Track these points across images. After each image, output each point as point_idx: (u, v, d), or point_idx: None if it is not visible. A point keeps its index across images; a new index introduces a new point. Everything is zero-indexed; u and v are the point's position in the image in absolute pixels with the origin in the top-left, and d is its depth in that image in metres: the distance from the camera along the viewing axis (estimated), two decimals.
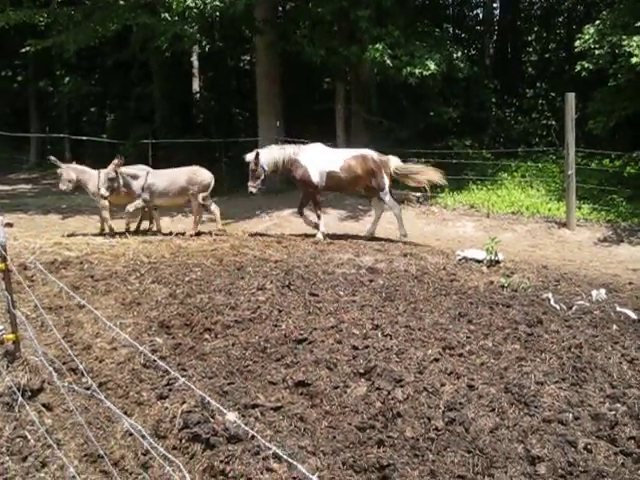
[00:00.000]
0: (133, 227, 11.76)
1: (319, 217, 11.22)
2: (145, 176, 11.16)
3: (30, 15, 15.86)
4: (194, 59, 24.48)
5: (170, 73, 22.22)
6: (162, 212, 13.06)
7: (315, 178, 10.97)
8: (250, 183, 10.89)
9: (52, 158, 11.78)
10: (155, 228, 11.62)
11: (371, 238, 10.97)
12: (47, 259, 9.19)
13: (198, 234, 11.26)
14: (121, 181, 10.96)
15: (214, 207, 11.59)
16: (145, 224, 11.90)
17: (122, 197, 11.41)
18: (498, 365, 5.07)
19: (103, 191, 10.82)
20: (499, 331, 5.88)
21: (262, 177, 10.86)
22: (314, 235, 10.99)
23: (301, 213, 11.27)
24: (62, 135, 20.55)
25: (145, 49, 18.78)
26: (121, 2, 13.87)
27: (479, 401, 4.45)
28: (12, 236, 11.25)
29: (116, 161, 10.90)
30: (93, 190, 11.36)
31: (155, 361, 5.29)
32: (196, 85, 25.25)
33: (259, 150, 10.94)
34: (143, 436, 4.21)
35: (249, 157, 10.89)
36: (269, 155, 10.92)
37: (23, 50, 17.33)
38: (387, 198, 11.16)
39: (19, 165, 24.93)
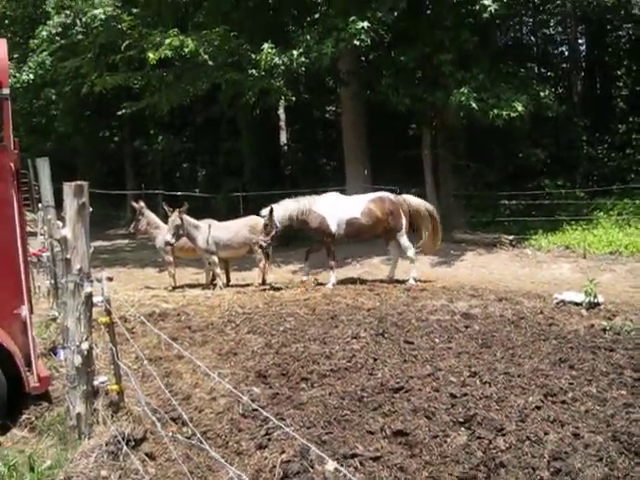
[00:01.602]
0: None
1: (332, 268, 11.24)
2: (208, 228, 11.32)
3: (125, 78, 16.68)
4: (281, 112, 25.11)
5: (258, 127, 22.85)
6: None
7: (333, 227, 10.98)
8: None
9: (135, 204, 12.10)
10: (220, 282, 11.54)
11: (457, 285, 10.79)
12: (146, 311, 9.47)
13: (264, 283, 11.45)
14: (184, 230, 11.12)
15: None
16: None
17: (187, 251, 11.69)
18: (604, 412, 4.86)
19: (169, 237, 10.94)
20: (603, 377, 5.66)
21: (273, 233, 10.83)
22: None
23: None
24: (157, 191, 21.33)
25: (233, 105, 19.41)
26: (210, 63, 14.39)
27: (586, 450, 4.27)
28: (112, 289, 11.69)
29: (181, 208, 11.11)
30: (160, 244, 11.62)
31: (255, 410, 5.35)
32: (283, 137, 25.85)
33: (273, 205, 10.95)
34: None
35: (264, 212, 10.94)
36: (283, 210, 10.93)
37: (119, 112, 18.21)
38: (403, 239, 11.15)
39: (117, 221, 26.00)
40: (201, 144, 26.50)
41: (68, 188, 5.01)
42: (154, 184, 25.29)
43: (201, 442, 4.07)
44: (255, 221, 11.56)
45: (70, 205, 5.01)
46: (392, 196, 11.36)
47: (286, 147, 25.87)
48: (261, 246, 10.99)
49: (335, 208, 11.09)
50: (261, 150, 23.15)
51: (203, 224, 11.47)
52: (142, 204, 11.93)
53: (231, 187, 21.12)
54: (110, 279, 13.22)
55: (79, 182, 5.06)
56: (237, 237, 11.43)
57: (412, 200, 11.46)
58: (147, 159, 27.94)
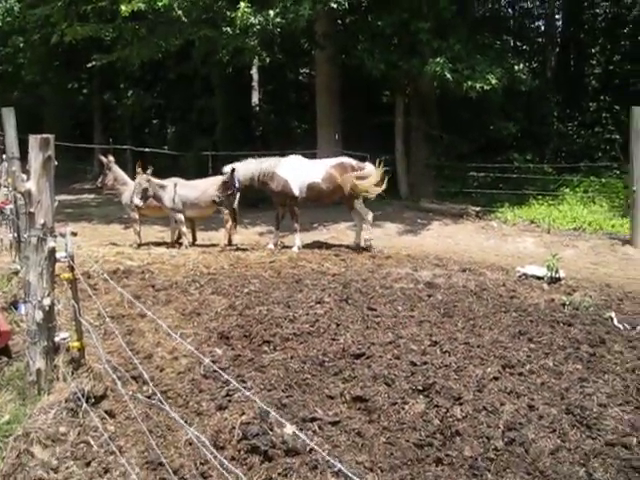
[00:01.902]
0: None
1: (297, 231, 11.24)
2: (174, 187, 11.26)
3: (96, 29, 16.28)
4: (254, 72, 24.80)
5: (231, 86, 22.54)
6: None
7: (295, 190, 10.99)
8: (216, 192, 10.90)
9: (103, 158, 11.88)
10: (186, 241, 11.51)
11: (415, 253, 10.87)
12: (109, 268, 9.40)
13: (230, 243, 11.51)
14: (151, 192, 11.09)
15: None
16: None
17: (153, 210, 11.60)
18: (559, 385, 4.97)
19: (137, 201, 10.91)
20: (560, 350, 5.77)
21: (230, 190, 10.86)
22: (367, 249, 11.04)
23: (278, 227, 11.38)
24: (125, 147, 21.05)
25: (207, 62, 19.10)
26: (184, 18, 14.09)
27: (540, 422, 4.37)
28: (76, 245, 11.55)
29: (148, 170, 11.04)
30: (125, 201, 11.56)
31: (216, 371, 5.37)
32: (256, 98, 25.57)
33: (236, 164, 10.95)
34: (204, 445, 4.28)
35: (226, 169, 10.92)
36: (245, 170, 10.92)
37: (89, 65, 17.82)
38: (361, 205, 11.21)
39: (83, 175, 25.60)
40: (172, 101, 26.10)
41: (34, 141, 4.92)
42: (123, 139, 24.94)
43: (161, 402, 4.08)
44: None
45: (35, 158, 4.92)
46: (354, 162, 11.32)
47: (258, 108, 25.61)
48: (214, 201, 10.96)
49: (297, 171, 11.06)
50: (233, 109, 22.86)
51: (169, 183, 11.36)
52: (111, 158, 11.75)
53: (201, 145, 20.86)
54: (74, 234, 12.95)
55: (45, 135, 4.97)
56: (204, 196, 11.34)
57: (369, 168, 11.31)
58: (116, 113, 27.46)
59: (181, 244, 11.44)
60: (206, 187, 11.43)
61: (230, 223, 11.51)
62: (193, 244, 11.69)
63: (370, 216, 11.28)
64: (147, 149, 20.57)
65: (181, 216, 11.33)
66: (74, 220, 15.34)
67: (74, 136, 26.14)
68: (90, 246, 11.39)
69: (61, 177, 12.12)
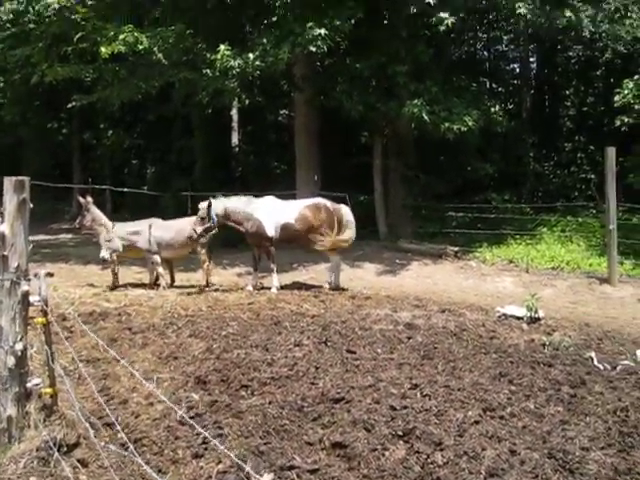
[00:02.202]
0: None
1: (274, 271, 11.19)
2: (148, 228, 11.23)
3: (77, 70, 16.32)
4: (234, 113, 24.93)
5: (210, 127, 22.63)
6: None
7: (270, 231, 11.00)
8: (195, 228, 10.85)
9: (82, 198, 11.71)
10: (164, 282, 11.43)
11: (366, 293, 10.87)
12: (86, 310, 9.32)
13: (208, 285, 11.39)
14: (122, 243, 11.16)
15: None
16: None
17: (131, 250, 11.51)
18: (541, 429, 4.92)
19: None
20: (541, 392, 5.73)
21: (207, 225, 10.84)
22: (345, 289, 11.04)
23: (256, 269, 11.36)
24: (104, 187, 20.98)
25: (187, 104, 19.21)
26: (164, 62, 14.18)
27: (522, 467, 4.30)
28: (52, 286, 11.42)
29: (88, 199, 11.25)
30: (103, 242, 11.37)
31: (192, 418, 5.26)
32: (235, 139, 25.67)
33: (212, 200, 10.98)
34: None
35: (202, 205, 10.94)
36: (221, 205, 10.95)
37: (69, 105, 17.81)
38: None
39: (61, 215, 25.43)
40: (152, 141, 26.19)
41: (8, 183, 4.86)
42: (102, 179, 24.89)
43: (133, 453, 3.97)
44: None
45: (10, 201, 4.86)
46: (329, 203, 11.34)
47: (237, 148, 25.70)
48: (190, 237, 10.91)
49: (272, 212, 11.07)
50: (212, 150, 22.91)
51: (142, 226, 11.32)
52: (89, 199, 11.63)
53: (180, 186, 20.82)
54: (51, 275, 12.78)
55: (20, 177, 4.91)
56: (179, 236, 11.26)
57: (344, 210, 11.40)
58: (96, 153, 27.44)
59: (159, 285, 11.33)
60: (181, 227, 11.35)
61: (207, 263, 11.43)
62: (171, 285, 11.59)
63: (337, 258, 11.42)
64: (126, 189, 20.50)
65: (157, 257, 11.25)
66: (51, 260, 15.17)
67: (53, 176, 25.99)
68: (67, 287, 11.27)
69: (39, 217, 12.08)
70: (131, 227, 11.41)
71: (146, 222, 11.51)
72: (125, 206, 22.87)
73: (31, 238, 14.90)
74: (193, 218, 11.46)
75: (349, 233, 11.18)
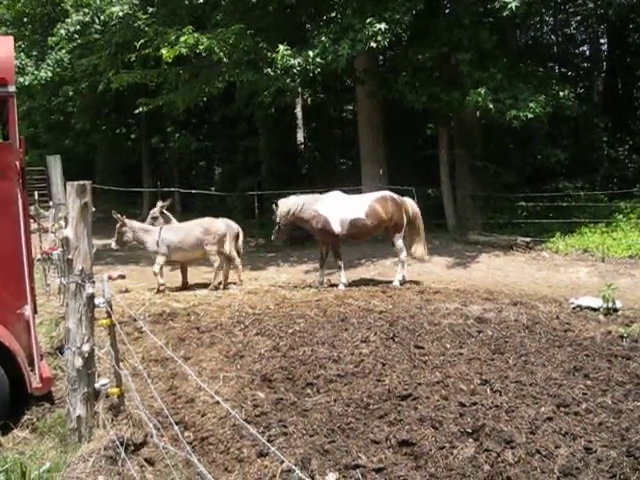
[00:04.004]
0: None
1: (341, 268, 11.08)
2: (159, 231, 11.14)
3: (142, 76, 16.64)
4: (298, 111, 24.99)
5: (275, 126, 22.78)
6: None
7: (336, 227, 10.85)
8: (273, 231, 11.18)
9: (116, 215, 11.43)
10: (161, 281, 11.14)
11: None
12: (156, 310, 9.44)
13: (226, 287, 11.27)
14: (130, 235, 11.15)
15: (238, 261, 11.54)
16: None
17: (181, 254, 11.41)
18: (619, 425, 4.69)
19: (113, 244, 11.13)
20: (619, 387, 5.48)
21: (277, 227, 10.96)
22: (418, 283, 10.88)
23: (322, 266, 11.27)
24: (173, 189, 21.31)
25: (250, 104, 19.34)
26: (225, 60, 14.28)
27: (598, 466, 4.11)
28: (124, 288, 11.67)
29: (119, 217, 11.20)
30: (151, 248, 11.26)
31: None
32: (300, 136, 25.73)
33: (279, 201, 10.99)
34: None
35: (274, 207, 11.06)
36: (283, 206, 10.91)
37: (136, 111, 18.19)
38: (399, 241, 11.10)
39: (133, 219, 25.91)
40: (218, 142, 26.46)
41: (70, 188, 4.94)
42: (170, 182, 25.30)
43: (189, 452, 3.96)
44: (209, 222, 11.36)
45: (72, 205, 4.94)
46: (395, 196, 11.26)
47: (303, 146, 25.76)
48: (272, 239, 11.17)
49: (338, 208, 10.98)
50: (278, 149, 23.08)
51: (153, 227, 11.36)
52: (118, 216, 11.37)
53: (247, 186, 21.02)
54: (122, 277, 13.25)
55: (82, 182, 4.98)
56: (188, 239, 11.13)
57: (411, 204, 11.32)
58: (164, 156, 27.94)
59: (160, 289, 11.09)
60: (190, 229, 11.29)
61: (218, 264, 11.23)
62: (184, 288, 11.49)
63: (404, 255, 11.18)
64: (194, 191, 20.79)
65: (163, 260, 11.12)
66: (123, 263, 15.52)
67: (124, 180, 26.67)
68: (138, 289, 11.49)
69: (110, 222, 12.33)
70: (141, 225, 11.43)
71: (195, 222, 11.59)
72: (194, 208, 23.17)
73: (103, 242, 15.39)
74: (202, 219, 11.54)
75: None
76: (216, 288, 11.10)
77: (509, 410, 4.96)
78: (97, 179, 25.49)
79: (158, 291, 11.06)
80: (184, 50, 13.90)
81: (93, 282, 5.04)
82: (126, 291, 11.15)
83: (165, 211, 12.13)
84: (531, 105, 13.30)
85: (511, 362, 6.24)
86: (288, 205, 10.93)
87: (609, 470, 4.07)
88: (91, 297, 4.96)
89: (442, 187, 16.74)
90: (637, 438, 4.45)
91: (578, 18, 23.07)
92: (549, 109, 13.87)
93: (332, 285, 11.12)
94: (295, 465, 4.28)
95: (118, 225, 11.14)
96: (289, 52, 13.42)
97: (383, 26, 12.99)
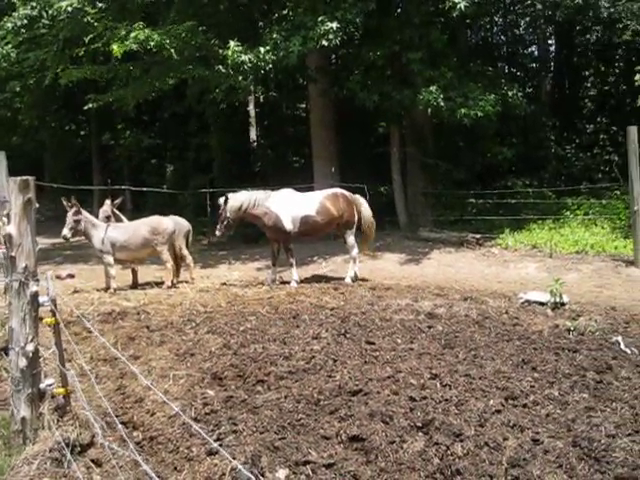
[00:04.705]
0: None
1: (293, 266, 11.07)
2: (105, 228, 10.91)
3: (91, 71, 16.36)
4: (250, 108, 24.88)
5: (227, 123, 22.64)
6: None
7: (288, 224, 10.84)
8: (218, 226, 10.96)
9: (66, 202, 10.90)
10: (114, 285, 10.96)
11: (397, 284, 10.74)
12: (105, 310, 9.32)
13: (176, 285, 11.18)
14: (82, 225, 10.72)
15: (190, 259, 11.53)
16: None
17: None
18: (565, 416, 4.77)
19: (65, 231, 10.57)
20: (565, 379, 5.57)
21: (225, 222, 10.79)
22: (362, 280, 10.92)
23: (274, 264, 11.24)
24: (123, 187, 20.98)
25: (201, 101, 19.18)
26: (176, 57, 14.12)
27: (545, 456, 4.16)
28: (73, 287, 11.46)
29: (72, 201, 10.71)
30: (97, 245, 10.94)
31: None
32: (253, 134, 25.62)
33: (229, 195, 10.86)
34: None
35: (220, 201, 10.89)
36: (234, 201, 10.77)
37: (85, 107, 17.86)
38: (351, 238, 11.18)
39: None
40: (169, 139, 26.22)
41: (13, 183, 4.81)
42: (121, 180, 24.93)
43: (133, 452, 3.89)
44: (157, 221, 11.25)
45: (15, 201, 4.81)
46: (347, 193, 11.30)
47: (255, 143, 25.65)
48: (216, 234, 10.96)
49: (290, 205, 10.94)
50: (230, 146, 22.94)
51: (101, 223, 11.11)
52: (75, 202, 10.85)
53: (199, 183, 20.82)
54: (71, 276, 13.02)
55: (24, 177, 4.85)
56: (135, 238, 10.98)
57: (363, 201, 11.36)
58: (114, 154, 27.51)
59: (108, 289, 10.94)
60: (137, 229, 11.13)
61: (171, 263, 11.18)
62: (134, 287, 11.32)
63: (355, 252, 11.23)
64: (145, 188, 20.53)
65: (110, 258, 10.89)
66: (72, 262, 15.27)
67: (73, 178, 26.20)
68: (88, 288, 11.29)
69: (61, 220, 12.05)
70: (91, 219, 11.05)
71: (142, 222, 11.43)
72: (145, 206, 22.87)
73: (52, 241, 15.10)
74: (150, 218, 11.40)
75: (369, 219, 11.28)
76: (169, 287, 10.97)
77: (458, 403, 4.99)
78: (46, 177, 24.94)
79: (107, 289, 10.89)
80: (134, 46, 13.69)
81: (37, 280, 4.92)
82: (75, 292, 10.92)
83: (116, 210, 11.93)
84: (481, 104, 13.49)
85: (461, 356, 6.30)
86: (240, 200, 10.81)
87: (556, 460, 4.12)
88: (35, 295, 4.84)
89: (394, 184, 16.85)
90: (583, 428, 4.52)
91: (527, 19, 23.43)
92: (498, 108, 14.06)
93: (284, 282, 11.10)
94: (245, 462, 4.24)
95: (73, 211, 10.66)
96: (240, 48, 13.34)
97: (335, 25, 13.01)
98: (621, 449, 4.23)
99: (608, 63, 22.09)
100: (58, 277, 12.72)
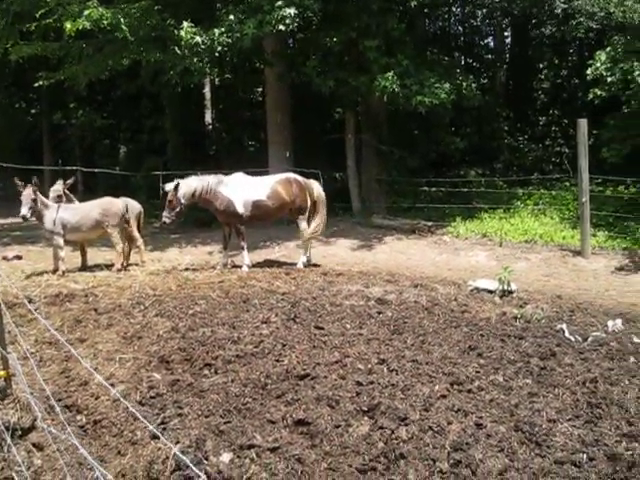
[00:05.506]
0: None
1: (244, 249, 11.02)
2: (56, 209, 10.69)
3: (42, 48, 15.93)
4: (206, 91, 24.59)
5: (181, 105, 22.33)
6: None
7: (240, 208, 10.81)
8: (165, 213, 10.65)
9: (18, 181, 10.74)
10: (62, 267, 10.71)
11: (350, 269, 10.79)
12: (53, 292, 9.18)
13: (126, 268, 11.07)
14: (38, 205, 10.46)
15: (141, 241, 11.44)
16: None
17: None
18: (508, 401, 4.84)
19: (25, 211, 10.25)
20: (510, 365, 5.66)
21: (178, 209, 10.59)
22: (314, 265, 10.95)
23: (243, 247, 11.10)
24: (75, 168, 20.56)
25: (156, 82, 18.86)
26: (130, 38, 13.81)
27: (487, 441, 4.22)
28: (20, 269, 11.21)
29: (33, 181, 10.51)
30: (48, 226, 10.69)
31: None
32: (209, 117, 25.34)
33: (180, 180, 10.67)
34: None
35: (168, 187, 10.64)
36: (187, 187, 10.60)
37: (36, 84, 17.41)
38: (303, 223, 11.16)
39: None
40: (123, 120, 25.76)
41: None
42: (73, 160, 24.42)
43: (70, 435, 3.83)
44: (108, 203, 11.07)
45: None
46: (299, 178, 11.25)
47: (211, 127, 25.39)
48: (164, 222, 10.70)
49: (241, 189, 10.85)
50: (185, 128, 22.63)
51: (53, 203, 10.88)
52: (36, 181, 10.70)
53: (152, 165, 20.51)
54: (19, 257, 12.74)
55: None
56: (86, 220, 10.79)
57: (316, 186, 11.33)
58: (66, 134, 26.92)
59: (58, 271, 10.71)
60: (88, 210, 10.94)
61: (121, 245, 11.02)
62: (83, 269, 11.17)
63: (305, 237, 11.21)
64: (97, 170, 20.17)
65: (60, 240, 10.68)
66: (21, 243, 14.96)
67: (23, 158, 25.55)
68: (35, 269, 11.07)
69: (10, 200, 11.75)
70: (43, 199, 10.72)
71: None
72: (97, 187, 22.47)
73: (1, 221, 14.66)
74: (102, 200, 11.21)
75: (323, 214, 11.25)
76: (119, 270, 10.80)
77: (405, 388, 5.03)
78: None
79: (55, 271, 10.68)
80: (87, 24, 13.36)
81: None
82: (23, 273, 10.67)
83: (67, 191, 11.67)
84: (436, 92, 13.54)
85: (409, 342, 6.34)
86: (193, 186, 10.64)
87: (498, 445, 4.18)
88: None
89: (348, 171, 16.85)
90: (525, 414, 4.60)
91: (484, 11, 23.62)
92: (453, 97, 14.14)
93: (235, 267, 11.02)
94: (189, 446, 4.21)
95: (32, 190, 10.36)
96: (193, 29, 13.14)
97: (292, 11, 12.91)
98: (562, 434, 4.32)
99: (561, 56, 22.46)
100: (4, 258, 12.43)
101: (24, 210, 10.30)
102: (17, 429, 4.61)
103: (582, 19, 15.05)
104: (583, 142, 11.62)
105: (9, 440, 4.37)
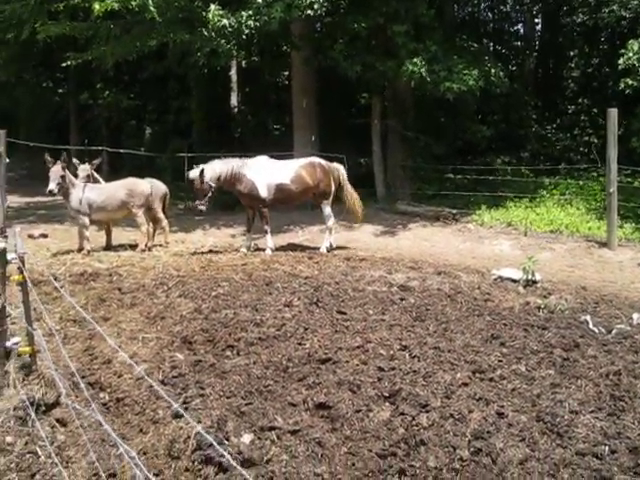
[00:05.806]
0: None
1: (268, 233, 11.02)
2: (83, 188, 10.73)
3: (70, 28, 15.99)
4: (233, 73, 24.58)
5: (208, 87, 22.36)
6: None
7: (263, 192, 10.78)
8: (198, 202, 10.66)
9: (48, 157, 10.51)
10: (88, 246, 10.75)
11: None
12: (77, 270, 9.24)
13: (150, 249, 11.08)
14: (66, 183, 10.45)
15: (165, 222, 11.49)
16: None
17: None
18: (530, 391, 4.82)
19: (52, 186, 10.16)
20: (533, 355, 5.63)
21: (209, 194, 10.58)
22: (346, 250, 10.89)
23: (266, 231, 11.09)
24: (101, 148, 20.71)
25: (183, 63, 18.88)
26: (158, 19, 13.81)
27: (508, 430, 4.21)
28: (45, 247, 11.32)
29: (62, 158, 10.45)
30: (74, 205, 10.71)
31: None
32: (234, 99, 25.34)
33: (203, 166, 10.62)
34: (157, 456, 4.09)
35: (193, 174, 10.60)
36: (212, 171, 10.57)
37: (64, 64, 17.51)
38: (327, 208, 11.14)
39: None
40: (149, 101, 25.84)
41: None
42: (99, 140, 24.57)
43: (94, 411, 3.87)
44: (133, 183, 11.14)
45: None
46: (323, 162, 11.21)
47: (236, 109, 25.39)
48: (201, 211, 10.73)
49: (265, 172, 10.85)
50: (210, 111, 22.67)
51: (80, 182, 10.90)
52: (65, 156, 10.63)
53: (177, 147, 20.59)
54: (45, 236, 12.87)
55: None
56: (112, 200, 10.85)
57: (341, 170, 11.29)
58: (93, 114, 27.06)
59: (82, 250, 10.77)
60: (114, 190, 11.01)
61: (146, 226, 11.10)
62: (107, 249, 11.21)
63: (331, 222, 11.20)
64: (123, 150, 20.27)
65: (86, 219, 10.70)
66: (46, 222, 15.07)
67: (50, 137, 25.73)
68: (61, 248, 11.17)
69: (36, 179, 11.84)
70: (71, 177, 10.73)
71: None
72: (122, 168, 22.59)
73: (26, 200, 14.81)
74: (127, 180, 11.27)
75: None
76: (143, 251, 10.87)
77: (426, 375, 5.03)
78: (22, 136, 24.53)
79: (80, 250, 10.77)
80: (116, 5, 13.39)
81: (5, 237, 4.86)
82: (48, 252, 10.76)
83: (93, 171, 11.75)
84: (464, 78, 13.42)
85: (431, 329, 6.32)
86: (218, 170, 10.65)
87: (519, 434, 4.16)
88: (2, 252, 4.76)
89: (373, 156, 16.78)
90: (547, 404, 4.58)
91: None
92: (481, 83, 14.00)
93: (259, 250, 11.05)
94: (210, 427, 4.25)
95: (60, 167, 10.31)
96: (220, 12, 13.12)
97: None
98: (583, 425, 4.29)
99: (593, 45, 22.09)
100: (30, 236, 12.54)
101: (52, 185, 10.27)
102: (41, 405, 4.68)
103: (615, 7, 14.82)
104: (613, 132, 11.46)
105: (33, 415, 4.43)
